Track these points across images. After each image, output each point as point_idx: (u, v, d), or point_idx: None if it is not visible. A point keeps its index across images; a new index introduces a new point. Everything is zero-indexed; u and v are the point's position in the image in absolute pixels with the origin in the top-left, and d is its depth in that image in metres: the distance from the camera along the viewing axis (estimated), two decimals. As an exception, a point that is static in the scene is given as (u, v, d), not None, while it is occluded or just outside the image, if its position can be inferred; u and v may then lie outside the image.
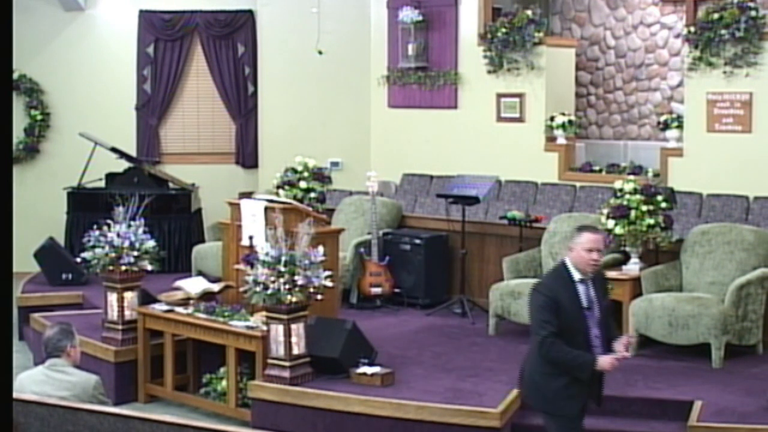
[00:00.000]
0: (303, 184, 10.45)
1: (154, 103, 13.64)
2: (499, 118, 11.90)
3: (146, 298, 8.69)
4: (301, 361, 7.46)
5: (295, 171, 10.58)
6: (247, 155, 13.63)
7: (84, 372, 5.89)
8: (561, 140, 11.68)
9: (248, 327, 7.78)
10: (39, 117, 13.62)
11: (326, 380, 7.47)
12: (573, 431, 5.69)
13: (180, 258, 11.64)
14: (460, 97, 12.18)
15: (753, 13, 10.14)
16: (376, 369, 7.50)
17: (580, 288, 5.54)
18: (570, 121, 11.71)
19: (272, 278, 7.26)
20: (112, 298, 8.56)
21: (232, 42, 13.57)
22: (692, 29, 10.57)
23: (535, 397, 5.76)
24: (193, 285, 8.80)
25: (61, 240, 11.92)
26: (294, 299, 7.28)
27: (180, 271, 10.96)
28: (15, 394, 5.70)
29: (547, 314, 5.48)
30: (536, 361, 5.61)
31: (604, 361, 5.47)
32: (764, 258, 8.35)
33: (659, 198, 8.71)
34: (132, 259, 8.46)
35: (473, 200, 9.87)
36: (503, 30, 11.69)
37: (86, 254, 8.57)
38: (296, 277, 7.26)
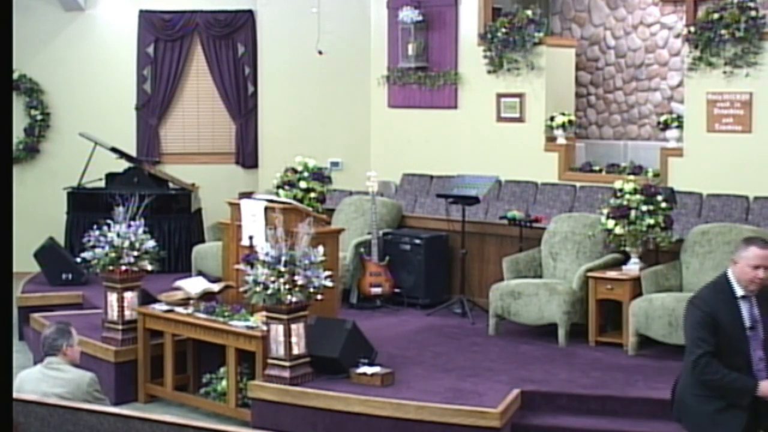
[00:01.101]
0: (303, 184, 10.45)
1: (154, 103, 13.65)
2: (499, 118, 11.91)
3: (146, 298, 8.70)
4: (301, 361, 7.47)
5: (295, 171, 10.59)
6: (247, 155, 13.65)
7: (80, 370, 5.92)
8: (561, 140, 11.69)
9: (248, 327, 7.79)
10: (39, 117, 13.64)
11: (326, 380, 7.48)
12: None
13: (180, 258, 11.66)
14: (460, 97, 12.19)
15: (753, 14, 10.15)
16: (376, 369, 7.51)
17: (743, 305, 5.12)
18: (570, 121, 11.72)
19: (272, 278, 7.27)
20: (112, 298, 8.57)
21: (232, 42, 13.59)
22: (692, 29, 10.59)
23: (686, 420, 5.32)
24: (193, 285, 8.80)
25: (61, 240, 11.94)
26: (294, 299, 7.29)
27: (180, 271, 10.98)
28: (15, 394, 5.72)
29: (703, 332, 5.06)
30: (689, 382, 5.22)
31: (766, 387, 5.01)
32: (764, 258, 8.36)
33: (659, 198, 8.72)
34: (132, 259, 8.48)
35: (473, 200, 9.88)
36: (503, 30, 11.69)
37: (86, 254, 8.58)
38: (296, 277, 7.28)
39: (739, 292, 5.08)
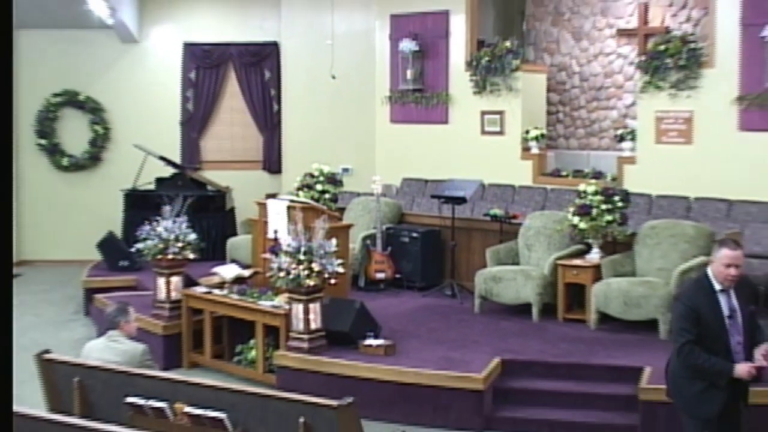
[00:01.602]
0: (319, 187, 10.48)
1: (195, 119, 13.66)
2: (483, 132, 11.89)
3: (189, 282, 8.72)
4: (318, 335, 7.49)
5: (312, 176, 10.60)
6: (272, 162, 13.65)
7: (134, 342, 5.93)
8: (534, 150, 11.67)
9: (273, 306, 7.80)
10: (101, 131, 13.66)
11: (338, 350, 7.49)
12: None
13: (216, 248, 11.65)
14: (450, 114, 12.17)
15: (693, 45, 10.17)
16: (380, 341, 7.53)
17: (722, 297, 5.01)
18: (542, 135, 11.71)
19: (293, 265, 7.29)
20: (161, 281, 8.59)
21: (260, 68, 13.59)
22: (643, 58, 10.61)
23: (676, 398, 5.23)
24: (228, 271, 8.82)
25: (118, 233, 11.95)
26: (311, 283, 7.30)
27: (216, 259, 10.98)
28: (81, 360, 5.74)
29: (686, 323, 4.98)
30: (677, 367, 5.13)
31: (741, 369, 4.91)
32: (703, 248, 8.34)
33: (616, 198, 8.73)
34: (177, 249, 8.49)
35: (461, 200, 9.88)
36: (486, 58, 11.68)
37: (139, 245, 8.59)
38: (313, 265, 7.29)
39: (717, 286, 4.99)
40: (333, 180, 10.63)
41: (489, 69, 11.66)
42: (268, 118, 13.64)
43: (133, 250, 9.22)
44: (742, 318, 5.02)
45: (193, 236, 8.61)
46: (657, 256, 8.53)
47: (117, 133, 13.68)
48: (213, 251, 11.50)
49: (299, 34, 13.14)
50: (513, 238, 9.43)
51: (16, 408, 4.87)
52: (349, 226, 9.37)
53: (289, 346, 7.51)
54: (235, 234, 11.91)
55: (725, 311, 4.99)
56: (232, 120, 13.84)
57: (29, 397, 6.67)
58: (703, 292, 5.04)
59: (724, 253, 5.00)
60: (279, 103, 13.53)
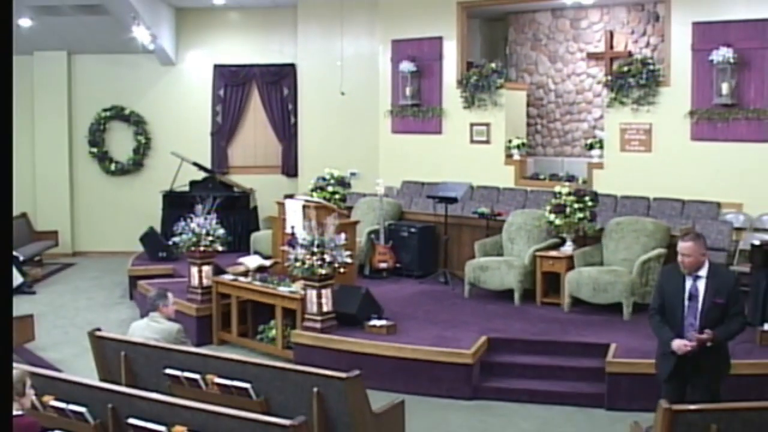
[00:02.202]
0: (330, 189, 10.47)
1: (224, 130, 13.65)
2: (472, 141, 11.87)
3: (218, 271, 8.72)
4: (329, 316, 7.49)
5: (324, 179, 10.60)
6: (289, 167, 13.63)
7: (171, 322, 5.95)
8: (516, 156, 11.66)
9: (291, 292, 7.80)
10: (143, 141, 13.67)
11: (347, 330, 7.49)
12: (663, 390, 5.05)
13: (242, 241, 11.63)
14: (443, 125, 12.15)
15: (652, 67, 10.15)
16: (383, 322, 7.53)
17: (688, 281, 4.97)
18: (523, 143, 11.70)
19: (308, 256, 7.29)
20: (194, 270, 8.59)
21: (280, 86, 13.58)
22: (609, 78, 10.59)
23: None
24: (251, 261, 8.82)
25: (158, 229, 11.95)
26: (323, 272, 7.30)
27: (242, 251, 10.97)
28: (127, 337, 5.77)
29: (655, 294, 5.23)
30: None
31: (675, 343, 4.94)
32: (661, 241, 8.35)
33: (587, 198, 8.72)
34: (208, 242, 8.50)
35: (453, 200, 9.87)
36: (474, 77, 11.67)
37: (176, 239, 8.61)
38: (325, 256, 7.29)
39: (684, 271, 5.00)
40: (342, 182, 10.62)
41: (477, 87, 11.65)
42: (286, 129, 13.64)
43: (170, 243, 9.24)
44: (702, 304, 4.94)
45: (221, 231, 8.62)
46: (622, 248, 8.52)
47: (157, 143, 13.69)
48: (238, 244, 11.49)
49: (313, 56, 13.12)
50: (498, 232, 9.42)
51: (72, 377, 4.90)
52: (356, 223, 9.38)
53: (304, 326, 7.52)
54: (257, 229, 11.92)
55: (686, 293, 4.98)
56: (256, 130, 13.83)
57: (83, 368, 6.71)
58: (673, 273, 5.10)
59: (680, 245, 5.03)
60: (296, 116, 13.51)
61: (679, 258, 5.01)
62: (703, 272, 4.97)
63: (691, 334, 4.91)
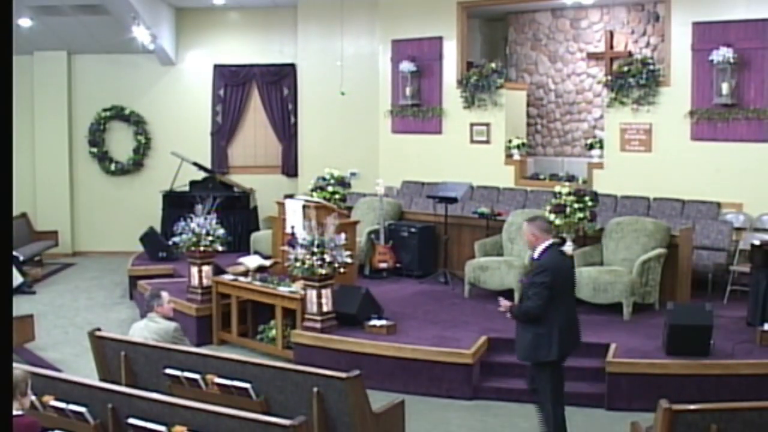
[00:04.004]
0: (330, 188, 10.47)
1: (224, 130, 13.65)
2: (472, 141, 11.88)
3: (218, 270, 8.73)
4: (329, 316, 7.49)
5: (324, 179, 10.60)
6: (289, 167, 13.63)
7: (168, 321, 5.97)
8: (516, 156, 11.67)
9: (291, 291, 7.81)
10: (143, 141, 13.66)
11: (347, 330, 7.49)
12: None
13: (242, 241, 11.65)
14: (443, 125, 12.16)
15: (651, 67, 10.16)
16: (383, 322, 7.53)
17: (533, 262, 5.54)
18: (523, 143, 11.70)
19: (308, 256, 7.29)
20: (194, 270, 8.60)
21: (280, 86, 13.58)
22: (609, 78, 10.58)
23: None
24: (251, 261, 8.82)
25: (158, 228, 11.95)
26: (324, 271, 7.31)
27: (242, 251, 10.98)
28: (127, 337, 5.77)
29: None
30: None
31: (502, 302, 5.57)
32: (660, 241, 8.35)
33: (587, 198, 8.72)
34: (208, 242, 8.50)
35: (453, 200, 9.88)
36: (474, 77, 11.67)
37: (176, 238, 8.61)
38: (325, 256, 7.29)
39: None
40: (342, 182, 10.62)
41: (477, 87, 11.65)
42: (286, 129, 13.64)
43: (170, 242, 9.24)
44: (525, 281, 5.45)
45: (221, 231, 8.62)
46: (622, 248, 8.53)
47: (157, 143, 13.69)
48: (238, 244, 11.50)
49: (313, 56, 13.13)
50: (498, 232, 9.42)
51: (72, 377, 4.90)
52: (356, 223, 9.38)
53: (304, 326, 7.52)
54: (257, 229, 11.92)
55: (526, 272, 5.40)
56: (256, 130, 13.83)
57: (83, 368, 6.72)
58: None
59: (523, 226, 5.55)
60: (296, 116, 13.51)
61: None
62: (536, 253, 5.41)
63: (504, 302, 5.49)
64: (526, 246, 5.48)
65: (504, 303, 5.48)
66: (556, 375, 5.43)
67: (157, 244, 11.17)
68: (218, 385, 4.95)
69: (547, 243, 5.38)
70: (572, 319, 5.45)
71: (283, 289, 7.87)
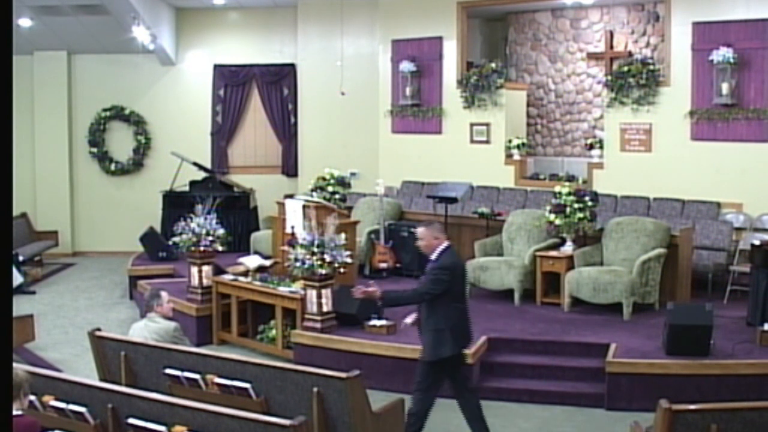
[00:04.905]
0: (330, 188, 10.47)
1: (224, 130, 13.66)
2: (472, 141, 11.88)
3: (218, 270, 8.73)
4: (329, 316, 7.49)
5: (324, 179, 10.60)
6: (289, 167, 13.64)
7: (168, 321, 5.97)
8: (516, 156, 11.67)
9: (291, 291, 7.81)
10: (143, 141, 13.67)
11: (347, 330, 7.49)
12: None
13: (242, 241, 11.65)
14: (443, 125, 12.16)
15: (651, 67, 10.16)
16: (382, 322, 7.52)
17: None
18: (523, 143, 11.70)
19: (308, 256, 7.29)
20: (194, 270, 8.60)
21: (280, 86, 13.58)
22: (609, 78, 10.59)
23: None
24: (251, 261, 8.82)
25: (158, 229, 11.96)
26: (323, 271, 7.31)
27: (242, 251, 10.98)
28: (127, 337, 5.77)
29: None
30: None
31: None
32: (661, 241, 8.35)
33: (587, 198, 8.72)
34: (208, 242, 8.51)
35: (453, 200, 9.88)
36: (474, 77, 11.67)
37: (176, 238, 8.62)
38: (325, 256, 7.29)
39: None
40: (342, 182, 10.63)
41: (477, 87, 11.65)
42: (286, 129, 13.64)
43: (170, 242, 9.25)
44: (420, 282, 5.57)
45: (221, 231, 8.63)
46: (621, 248, 8.52)
47: (157, 143, 13.69)
48: (239, 244, 11.51)
49: (313, 56, 13.13)
50: (498, 232, 9.43)
51: (72, 377, 4.90)
52: (356, 223, 9.38)
53: (304, 326, 7.52)
54: (257, 229, 11.92)
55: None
56: (256, 130, 13.83)
57: (83, 368, 6.72)
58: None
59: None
60: (296, 116, 13.51)
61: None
62: (434, 255, 5.49)
63: (372, 287, 5.51)
64: (424, 250, 5.55)
65: (370, 288, 5.52)
66: (457, 369, 5.62)
67: (157, 244, 11.17)
68: (218, 385, 4.95)
69: (444, 245, 5.53)
70: (465, 317, 5.65)
71: (283, 289, 7.87)
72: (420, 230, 5.59)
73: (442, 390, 6.88)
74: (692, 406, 4.21)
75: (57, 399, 4.70)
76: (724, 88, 9.42)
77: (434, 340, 5.49)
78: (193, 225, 8.47)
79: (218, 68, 13.57)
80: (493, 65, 11.63)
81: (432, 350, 5.51)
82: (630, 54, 11.36)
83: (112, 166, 13.66)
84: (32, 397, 4.60)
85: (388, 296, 5.62)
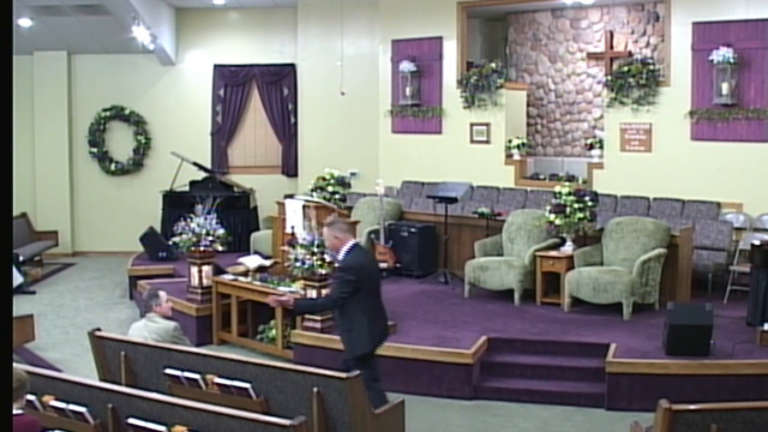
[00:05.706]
0: (330, 188, 10.46)
1: (224, 130, 13.66)
2: (472, 141, 11.88)
3: (218, 270, 8.72)
4: (329, 316, 7.47)
5: (324, 179, 10.60)
6: (290, 167, 13.64)
7: (167, 320, 5.96)
8: (516, 156, 11.67)
9: (291, 291, 7.78)
10: (143, 141, 13.67)
11: (347, 329, 7.48)
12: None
13: (242, 241, 11.65)
14: (443, 125, 12.16)
15: (651, 67, 10.16)
16: (382, 321, 7.51)
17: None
18: (523, 143, 11.70)
19: (308, 256, 7.29)
20: (194, 270, 8.59)
21: (280, 86, 13.58)
22: (609, 78, 10.58)
23: None
24: (251, 261, 8.82)
25: (158, 229, 11.96)
26: (324, 271, 7.30)
27: (242, 251, 10.98)
28: (127, 337, 5.77)
29: None
30: None
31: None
32: (660, 241, 8.35)
33: (587, 198, 8.72)
34: (208, 242, 8.50)
35: (453, 200, 9.88)
36: (474, 77, 11.67)
37: (176, 238, 8.61)
38: (325, 256, 7.28)
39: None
40: (342, 182, 10.62)
41: (477, 87, 11.65)
42: (286, 129, 13.64)
43: (170, 242, 9.25)
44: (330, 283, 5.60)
45: (221, 231, 8.62)
46: (621, 248, 8.52)
47: (157, 143, 13.69)
48: (239, 244, 11.50)
49: (313, 56, 13.13)
50: (498, 232, 9.42)
51: (72, 377, 4.91)
52: (356, 223, 9.38)
53: (304, 326, 7.52)
54: (257, 229, 11.91)
55: None
56: (256, 130, 13.83)
57: (83, 368, 6.72)
58: None
59: None
60: (296, 116, 13.51)
61: None
62: (340, 256, 5.49)
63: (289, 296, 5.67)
64: (331, 250, 5.62)
65: (283, 297, 5.68)
66: (373, 363, 5.63)
67: (157, 244, 11.17)
68: (218, 385, 4.95)
69: (350, 244, 5.51)
70: (380, 312, 5.67)
71: (283, 289, 7.85)
72: (323, 230, 5.54)
73: (441, 389, 6.90)
74: (692, 406, 4.21)
75: (57, 399, 4.70)
76: (724, 88, 9.42)
77: (348, 339, 5.55)
78: (193, 225, 8.46)
79: (218, 68, 13.57)
80: (493, 65, 11.63)
81: (350, 348, 5.57)
82: (630, 54, 11.36)
83: (112, 166, 13.66)
84: (32, 397, 4.60)
85: (301, 304, 5.72)
